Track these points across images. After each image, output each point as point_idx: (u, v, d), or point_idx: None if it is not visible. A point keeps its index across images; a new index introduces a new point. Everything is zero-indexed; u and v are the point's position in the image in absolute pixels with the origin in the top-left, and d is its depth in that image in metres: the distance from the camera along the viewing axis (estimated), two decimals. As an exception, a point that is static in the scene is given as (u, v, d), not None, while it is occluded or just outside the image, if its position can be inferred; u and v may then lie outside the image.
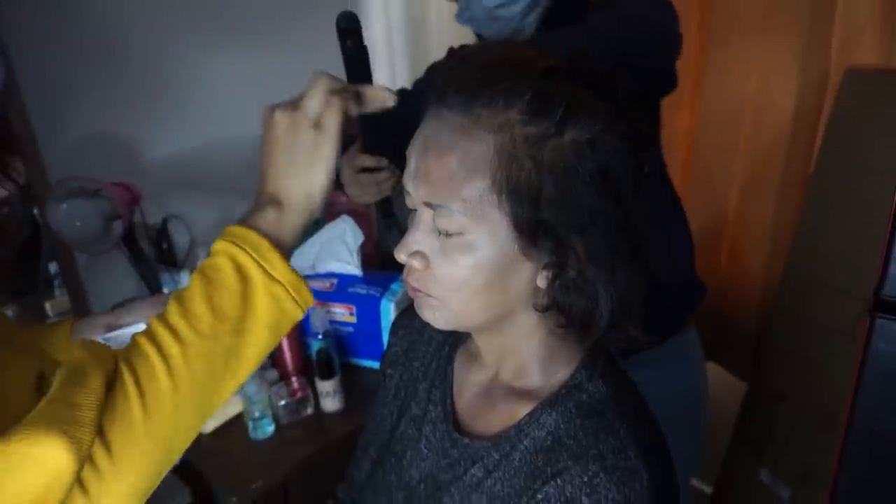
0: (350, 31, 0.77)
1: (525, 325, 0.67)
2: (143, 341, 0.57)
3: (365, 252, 1.45)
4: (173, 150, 1.56)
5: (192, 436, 0.60)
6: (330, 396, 1.22)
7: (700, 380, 1.19)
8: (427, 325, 0.85)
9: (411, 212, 0.65)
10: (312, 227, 1.64)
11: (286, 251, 0.63)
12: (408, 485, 0.76)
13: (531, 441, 0.66)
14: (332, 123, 0.62)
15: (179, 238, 1.53)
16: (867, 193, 1.34)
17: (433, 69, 1.24)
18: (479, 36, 1.13)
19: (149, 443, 0.55)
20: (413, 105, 0.70)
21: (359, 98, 0.65)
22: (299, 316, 0.64)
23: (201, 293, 0.59)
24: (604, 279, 0.61)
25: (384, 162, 0.77)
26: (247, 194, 1.74)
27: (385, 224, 0.88)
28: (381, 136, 0.96)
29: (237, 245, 0.60)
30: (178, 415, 0.57)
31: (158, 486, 0.61)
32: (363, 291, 1.33)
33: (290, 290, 0.61)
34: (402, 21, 1.85)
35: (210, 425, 1.22)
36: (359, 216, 1.51)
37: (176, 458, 0.59)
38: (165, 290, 1.44)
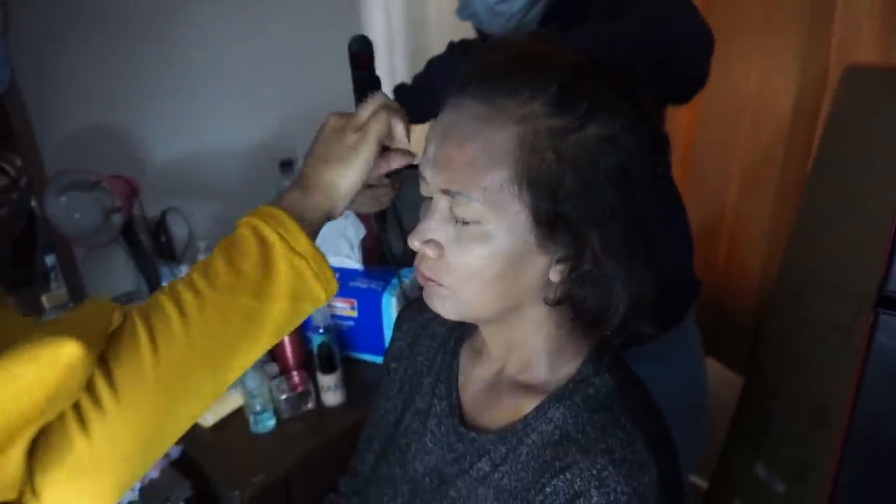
0: (363, 55, 0.77)
1: (533, 319, 0.67)
2: (158, 294, 0.57)
3: (366, 246, 1.45)
4: (172, 143, 1.55)
5: (203, 403, 0.58)
6: (331, 390, 1.22)
7: (701, 375, 1.20)
8: (431, 319, 0.86)
9: (424, 200, 0.65)
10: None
11: (309, 227, 0.63)
12: (413, 478, 0.76)
13: (538, 435, 0.66)
14: (374, 130, 0.66)
15: (178, 231, 1.52)
16: (866, 190, 1.35)
17: (433, 63, 1.24)
18: (479, 31, 1.13)
19: (156, 389, 0.53)
20: (416, 100, 0.71)
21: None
22: (322, 295, 0.64)
23: (222, 255, 0.59)
24: (622, 275, 0.61)
25: (383, 178, 0.78)
26: (246, 188, 1.75)
27: (381, 229, 0.89)
28: None
29: (259, 217, 0.61)
30: (190, 366, 0.55)
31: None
32: (364, 286, 1.33)
33: (313, 265, 0.62)
34: (401, 18, 1.85)
35: (210, 419, 1.22)
36: (359, 211, 1.51)
37: (182, 424, 0.57)
38: (164, 284, 1.43)
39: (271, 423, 1.20)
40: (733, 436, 1.70)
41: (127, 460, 0.52)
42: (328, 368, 1.21)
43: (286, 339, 1.30)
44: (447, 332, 0.83)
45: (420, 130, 0.76)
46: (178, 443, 1.02)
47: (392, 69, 1.90)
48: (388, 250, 0.98)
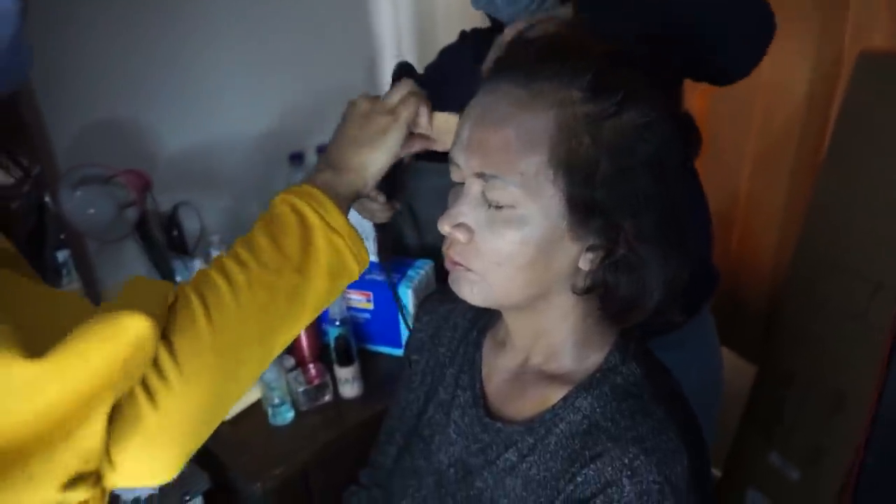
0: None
1: (560, 307, 0.67)
2: (207, 269, 0.58)
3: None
4: (182, 137, 1.54)
5: (253, 376, 0.60)
6: (349, 383, 1.22)
7: (718, 365, 1.19)
8: (452, 310, 0.86)
9: (454, 185, 0.65)
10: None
11: (343, 205, 0.65)
12: (437, 469, 0.76)
13: (567, 425, 0.66)
14: (405, 115, 0.69)
15: (189, 225, 1.52)
16: (881, 175, 1.35)
17: (445, 53, 1.23)
18: (492, 20, 1.11)
19: (215, 357, 0.55)
20: (429, 90, 0.72)
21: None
22: (356, 272, 0.66)
23: (265, 231, 0.60)
24: (657, 261, 0.61)
25: (381, 197, 0.78)
26: (256, 182, 1.74)
27: (378, 228, 0.91)
28: None
29: (296, 196, 0.62)
30: (242, 338, 0.57)
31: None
32: (380, 278, 1.32)
33: (349, 241, 0.64)
34: (409, 7, 1.84)
35: (229, 412, 1.22)
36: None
37: (236, 396, 0.59)
38: (178, 279, 1.43)
39: (290, 415, 1.20)
40: (746, 424, 1.70)
41: (191, 429, 0.54)
42: (345, 361, 1.21)
43: (302, 332, 1.30)
44: (469, 324, 0.83)
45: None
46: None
47: (399, 59, 1.89)
48: (409, 222, 0.98)
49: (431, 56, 1.26)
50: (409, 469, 0.80)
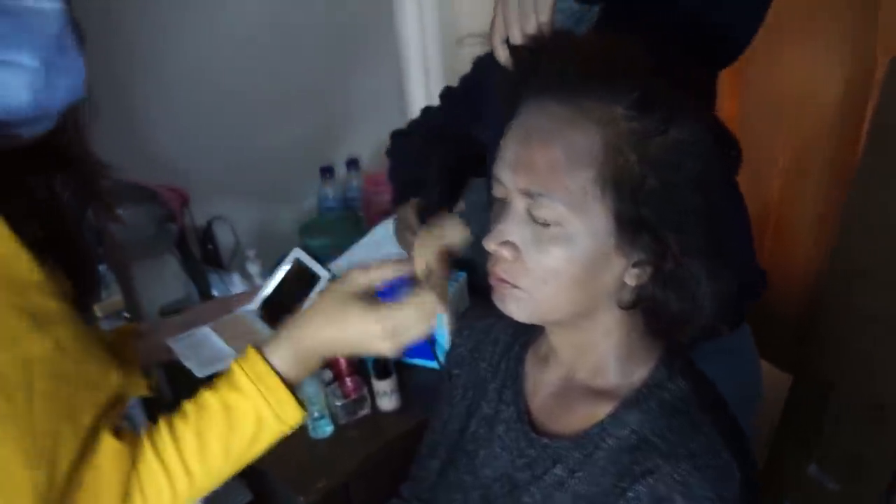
0: None
1: (605, 322, 0.68)
2: (159, 471, 0.64)
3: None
4: (217, 152, 1.57)
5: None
6: (386, 396, 1.23)
7: (758, 374, 1.18)
8: (493, 325, 0.86)
9: (496, 202, 0.65)
10: (355, 227, 1.65)
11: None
12: (483, 484, 0.76)
13: (615, 440, 0.66)
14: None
15: (223, 239, 1.55)
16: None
17: (481, 61, 1.23)
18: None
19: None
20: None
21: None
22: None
23: (219, 437, 0.66)
24: (705, 275, 0.61)
25: (463, 229, 0.78)
26: (287, 195, 1.75)
27: None
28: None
29: (265, 399, 0.67)
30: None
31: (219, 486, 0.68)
32: (414, 291, 1.32)
33: (293, 428, 0.71)
34: (435, 24, 1.86)
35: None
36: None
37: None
38: (215, 292, 1.46)
39: (329, 428, 1.21)
40: (782, 435, 1.67)
41: None
42: (383, 374, 1.22)
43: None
44: (511, 338, 0.84)
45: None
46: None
47: (426, 80, 1.90)
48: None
49: (457, 66, 1.27)
50: (455, 483, 0.80)
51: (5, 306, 0.53)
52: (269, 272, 1.43)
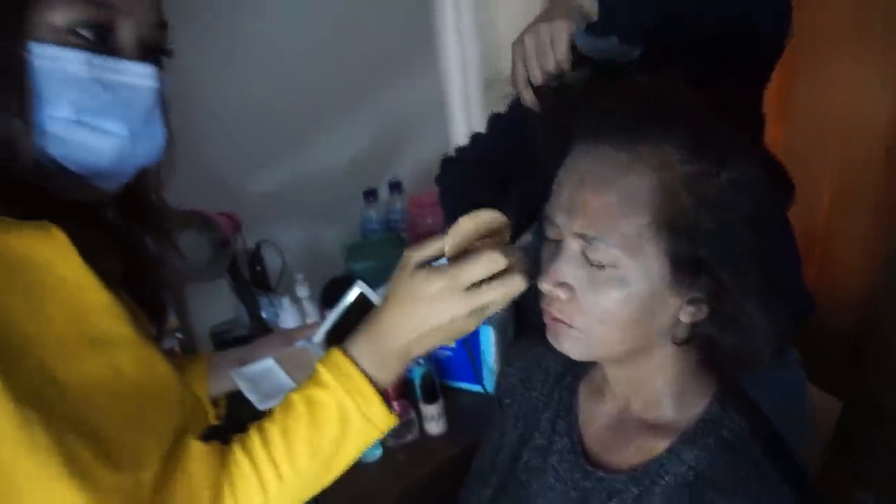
0: None
1: (660, 358, 0.68)
2: (250, 471, 0.64)
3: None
4: (264, 177, 1.61)
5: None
6: (434, 420, 1.24)
7: (808, 402, 1.17)
8: (543, 354, 0.87)
9: (548, 242, 0.66)
10: (398, 249, 1.67)
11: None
12: (537, 514, 0.77)
13: (672, 477, 0.66)
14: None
15: (270, 261, 1.58)
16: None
17: (499, 119, 1.23)
18: (578, 55, 1.11)
19: None
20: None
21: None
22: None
23: (304, 437, 0.65)
24: (762, 313, 0.62)
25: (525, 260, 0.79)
26: (333, 218, 1.77)
27: None
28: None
29: (349, 394, 0.66)
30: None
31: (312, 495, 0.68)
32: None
33: (383, 432, 0.70)
34: (475, 48, 1.88)
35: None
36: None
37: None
38: (264, 315, 1.49)
39: (378, 452, 1.23)
40: (831, 460, 1.63)
41: None
42: (431, 398, 1.23)
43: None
44: (563, 368, 0.84)
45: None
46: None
47: (466, 98, 1.93)
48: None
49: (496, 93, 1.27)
50: (509, 512, 0.81)
51: (64, 324, 0.54)
52: (316, 295, 1.47)
